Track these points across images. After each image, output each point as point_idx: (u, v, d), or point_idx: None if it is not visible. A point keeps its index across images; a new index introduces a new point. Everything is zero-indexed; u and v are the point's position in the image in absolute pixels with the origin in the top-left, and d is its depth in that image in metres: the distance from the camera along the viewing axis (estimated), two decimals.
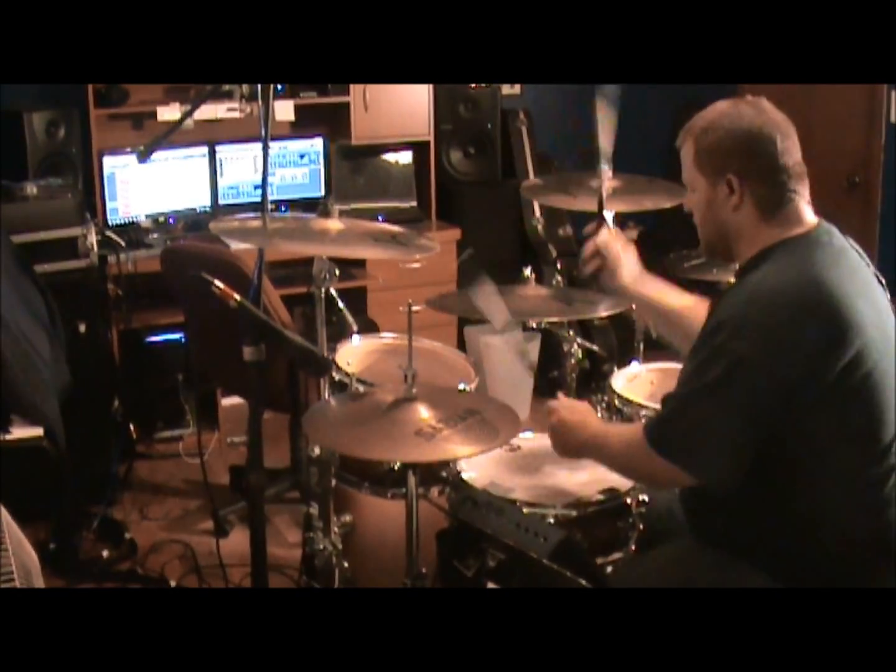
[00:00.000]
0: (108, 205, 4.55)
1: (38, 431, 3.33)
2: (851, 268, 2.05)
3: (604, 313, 2.98)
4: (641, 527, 2.43)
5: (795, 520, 2.01)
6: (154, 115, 4.58)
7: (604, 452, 2.22)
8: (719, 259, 2.22)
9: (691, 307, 2.43)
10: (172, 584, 3.45)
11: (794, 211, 2.06)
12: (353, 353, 3.00)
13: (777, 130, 2.04)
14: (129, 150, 4.56)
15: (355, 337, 3.08)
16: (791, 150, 2.05)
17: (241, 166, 4.86)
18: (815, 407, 1.95)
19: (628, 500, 2.43)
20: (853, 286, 2.00)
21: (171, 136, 2.64)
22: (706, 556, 2.12)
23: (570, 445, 2.29)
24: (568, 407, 2.33)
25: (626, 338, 3.42)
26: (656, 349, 3.04)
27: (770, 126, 2.04)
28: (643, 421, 2.13)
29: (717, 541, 2.11)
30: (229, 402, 4.60)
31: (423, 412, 2.21)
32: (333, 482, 2.64)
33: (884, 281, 2.13)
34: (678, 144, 2.15)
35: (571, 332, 3.18)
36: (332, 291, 2.87)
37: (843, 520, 2.01)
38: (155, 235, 4.59)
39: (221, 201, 4.83)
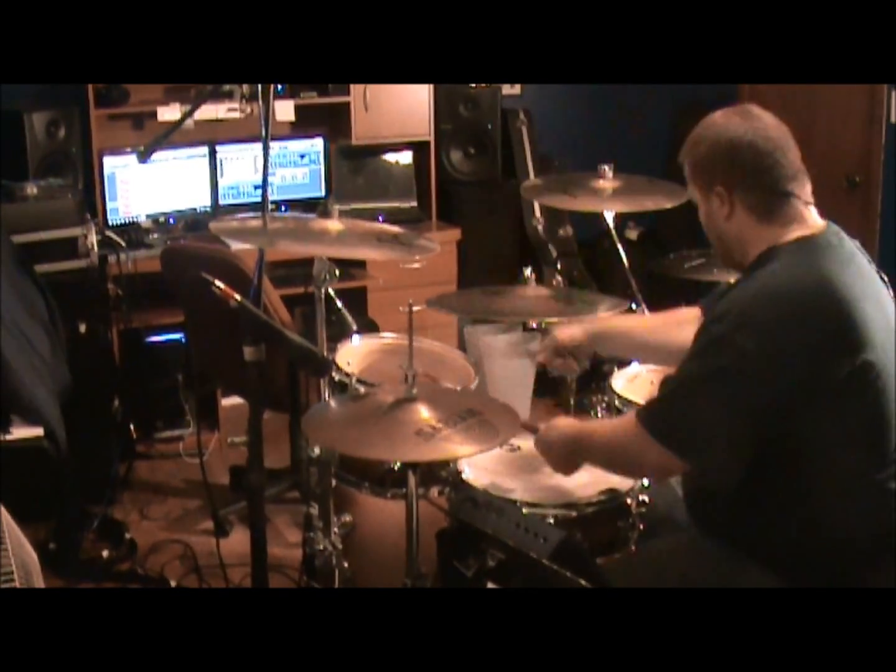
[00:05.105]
0: (109, 205, 4.55)
1: (38, 431, 3.33)
2: (860, 271, 2.04)
3: (604, 313, 2.97)
4: (641, 527, 2.43)
5: (798, 517, 2.01)
6: (154, 115, 4.58)
7: (593, 444, 2.21)
8: (736, 269, 2.19)
9: (661, 324, 2.53)
10: (172, 584, 3.45)
11: (793, 212, 2.05)
12: (353, 353, 2.99)
13: (762, 136, 2.03)
14: (129, 150, 4.56)
15: (355, 337, 3.08)
16: (782, 153, 2.04)
17: (241, 166, 4.86)
18: (820, 408, 1.95)
19: (628, 501, 2.43)
20: (862, 289, 1.99)
21: (172, 136, 2.64)
22: (708, 551, 2.12)
23: (562, 453, 2.27)
24: (554, 423, 2.32)
25: None
26: None
27: (753, 132, 2.04)
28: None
29: (720, 535, 2.11)
30: (229, 402, 4.60)
31: (424, 412, 2.21)
32: (333, 482, 2.64)
33: (887, 280, 2.12)
34: (680, 161, 2.16)
35: None
36: (332, 292, 2.87)
37: (846, 520, 2.01)
38: (155, 235, 4.59)
39: (221, 201, 4.83)
